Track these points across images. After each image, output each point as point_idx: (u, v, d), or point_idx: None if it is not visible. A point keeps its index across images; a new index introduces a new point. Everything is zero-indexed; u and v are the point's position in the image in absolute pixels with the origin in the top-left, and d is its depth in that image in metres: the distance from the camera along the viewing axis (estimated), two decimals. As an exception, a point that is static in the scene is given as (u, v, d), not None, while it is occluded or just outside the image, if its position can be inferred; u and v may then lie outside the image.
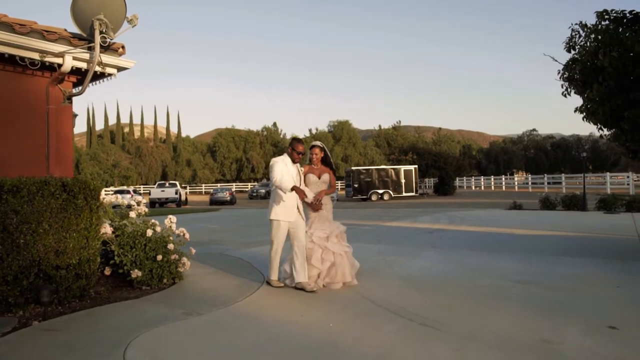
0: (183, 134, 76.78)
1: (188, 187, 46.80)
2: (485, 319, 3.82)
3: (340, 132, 71.97)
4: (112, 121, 75.25)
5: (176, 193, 28.52)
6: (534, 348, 3.14)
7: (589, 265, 6.00)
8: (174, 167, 66.03)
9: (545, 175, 39.29)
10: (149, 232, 5.12)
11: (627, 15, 5.75)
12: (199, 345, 3.35)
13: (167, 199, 28.15)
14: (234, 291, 4.96)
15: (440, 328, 3.60)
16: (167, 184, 30.60)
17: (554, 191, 28.35)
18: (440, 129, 78.74)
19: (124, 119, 77.86)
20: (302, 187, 5.02)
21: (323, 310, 4.19)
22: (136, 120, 79.21)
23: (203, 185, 60.72)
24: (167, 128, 76.84)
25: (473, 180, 49.68)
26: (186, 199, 31.81)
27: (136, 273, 4.92)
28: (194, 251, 5.66)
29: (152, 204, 27.51)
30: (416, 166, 31.84)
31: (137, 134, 76.17)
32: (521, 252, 7.17)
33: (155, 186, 31.76)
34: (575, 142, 68.87)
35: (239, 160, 70.24)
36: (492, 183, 45.12)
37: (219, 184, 57.99)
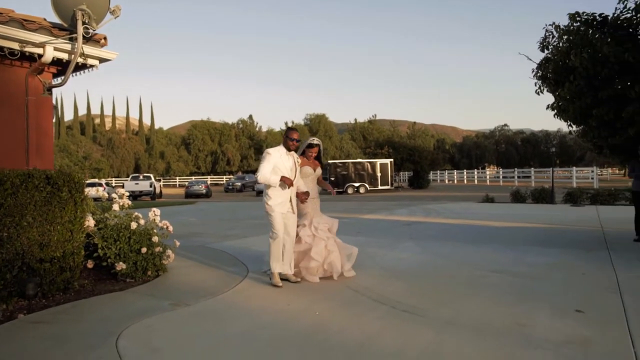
0: (156, 126, 75.35)
1: (162, 180, 46.05)
2: (463, 305, 4.03)
3: (316, 125, 72.09)
4: (81, 112, 73.13)
5: (151, 186, 28.09)
6: (509, 331, 3.35)
7: (557, 254, 6.32)
8: (147, 160, 64.82)
9: (516, 169, 40.40)
10: (134, 225, 5.12)
11: (597, 18, 6.04)
12: (191, 334, 3.43)
13: (141, 192, 27.68)
14: (219, 282, 5.04)
15: (422, 314, 3.78)
16: (141, 177, 30.08)
17: (524, 185, 29.25)
18: (414, 123, 79.83)
19: (95, 110, 75.77)
20: (298, 177, 5.01)
21: (308, 300, 4.31)
22: (107, 112, 77.27)
23: (177, 178, 59.89)
24: (140, 119, 75.23)
25: (446, 173, 50.70)
26: (161, 191, 31.36)
27: (121, 266, 4.93)
28: (178, 244, 5.70)
29: (126, 197, 27.01)
30: (392, 160, 32.24)
31: (108, 125, 74.30)
32: (494, 243, 7.47)
33: (128, 179, 31.19)
34: (544, 137, 70.99)
35: (214, 153, 69.50)
36: (465, 177, 46.16)
37: (193, 177, 57.31)
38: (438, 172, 49.46)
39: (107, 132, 67.33)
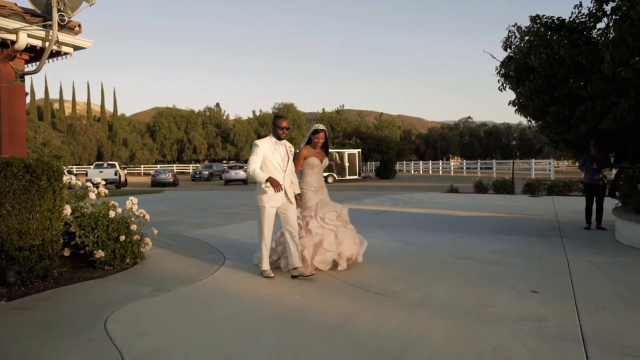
0: (118, 113, 72.99)
1: (126, 168, 44.93)
2: (432, 288, 4.35)
3: (285, 114, 71.71)
4: (38, 95, 69.90)
5: (115, 174, 27.45)
6: (473, 311, 3.68)
7: (516, 241, 6.79)
8: (110, 147, 62.89)
9: (479, 160, 41.88)
10: (112, 214, 5.18)
11: (555, 21, 6.46)
12: (176, 317, 3.58)
13: (105, 180, 26.83)
14: (197, 269, 5.17)
15: (394, 297, 4.07)
16: (105, 165, 29.31)
17: (486, 176, 30.39)
18: (382, 114, 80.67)
19: (53, 95, 72.54)
20: (291, 167, 4.81)
21: (286, 285, 4.52)
22: (66, 97, 74.21)
23: (142, 166, 58.52)
24: (102, 105, 72.75)
25: (412, 164, 51.85)
26: (125, 180, 30.67)
27: (100, 253, 4.99)
28: (156, 232, 5.77)
29: (90, 185, 26.29)
30: (359, 150, 32.66)
31: (67, 111, 71.41)
32: (459, 231, 7.90)
33: (92, 167, 30.35)
34: (505, 130, 73.48)
35: (180, 140, 68.26)
36: (430, 167, 47.37)
37: (158, 165, 56.18)
38: (404, 162, 50.48)
39: (67, 118, 64.75)
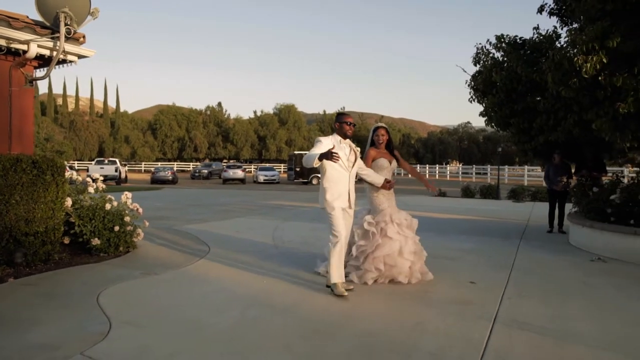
0: (121, 109, 73.75)
1: (127, 165, 45.61)
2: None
3: (286, 115, 72.51)
4: (42, 91, 70.58)
5: (116, 170, 28.09)
6: (413, 296, 4.29)
7: (479, 241, 7.40)
8: (111, 144, 63.58)
9: (474, 166, 42.46)
10: (108, 206, 5.80)
11: (518, 40, 7.08)
12: (159, 294, 4.21)
13: (106, 176, 27.56)
14: (183, 258, 5.80)
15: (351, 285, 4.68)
16: (106, 161, 29.99)
17: (481, 181, 31.01)
18: (382, 117, 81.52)
19: (56, 90, 73.27)
20: (355, 167, 4.48)
21: (257, 271, 5.13)
22: (70, 92, 74.94)
23: (143, 163, 59.23)
24: (105, 102, 73.41)
25: (410, 168, 52.39)
26: (126, 176, 31.33)
27: (96, 241, 5.61)
28: (147, 224, 6.39)
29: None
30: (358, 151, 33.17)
31: (70, 107, 72.11)
32: (430, 231, 8.47)
33: (93, 162, 31.03)
34: (504, 136, 73.88)
35: (181, 139, 68.96)
36: (427, 171, 47.96)
37: (159, 163, 56.93)
38: (402, 166, 51.03)
39: (69, 114, 65.46)
